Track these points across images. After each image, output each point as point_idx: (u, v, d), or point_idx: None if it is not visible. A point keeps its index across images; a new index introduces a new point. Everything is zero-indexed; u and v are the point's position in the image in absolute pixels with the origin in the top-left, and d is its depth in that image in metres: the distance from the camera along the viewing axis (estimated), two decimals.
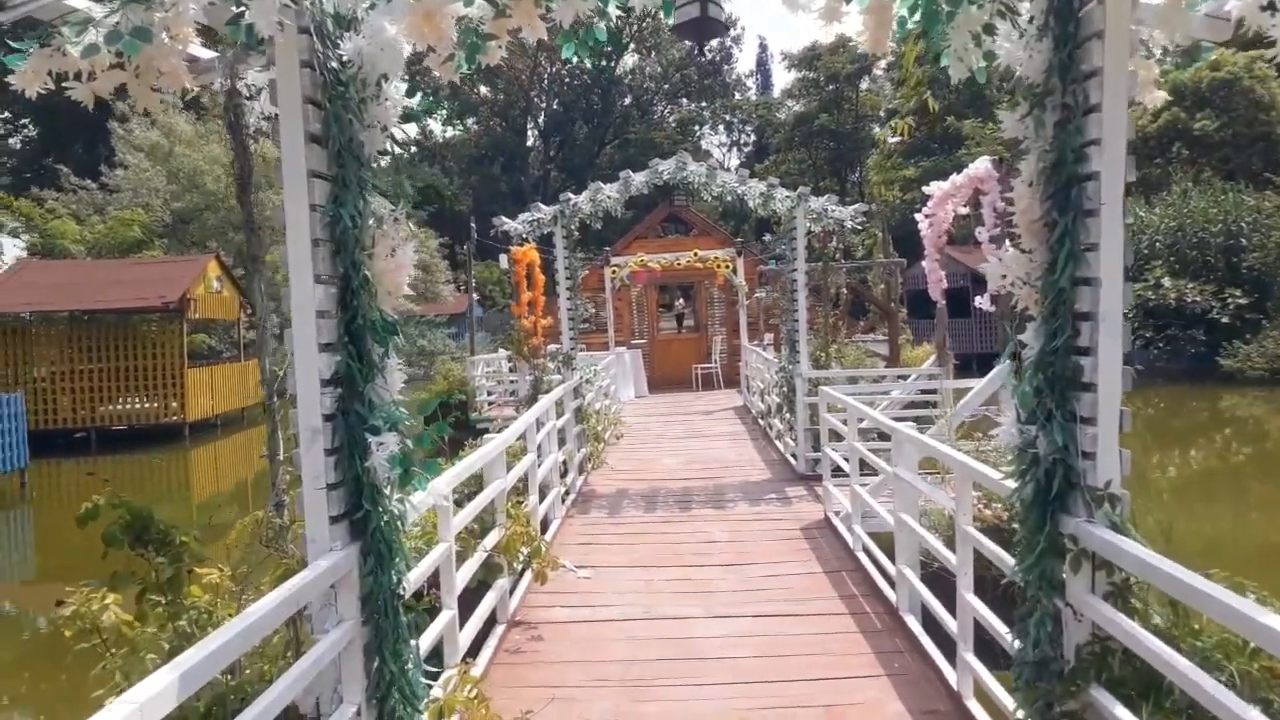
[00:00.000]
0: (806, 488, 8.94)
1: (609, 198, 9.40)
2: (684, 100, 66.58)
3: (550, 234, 9.83)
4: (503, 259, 17.52)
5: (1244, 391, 21.24)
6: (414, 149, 69.61)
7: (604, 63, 67.52)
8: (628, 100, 68.23)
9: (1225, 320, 23.04)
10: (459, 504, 5.59)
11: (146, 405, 19.90)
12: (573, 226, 9.87)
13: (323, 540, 2.96)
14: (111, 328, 19.96)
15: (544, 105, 69.24)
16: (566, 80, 69.00)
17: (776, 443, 11.23)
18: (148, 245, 26.98)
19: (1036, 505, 2.99)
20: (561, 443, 8.68)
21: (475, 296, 39.64)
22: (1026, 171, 3.01)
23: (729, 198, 9.42)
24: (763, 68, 67.37)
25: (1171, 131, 31.90)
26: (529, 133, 68.51)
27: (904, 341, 15.81)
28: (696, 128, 66.86)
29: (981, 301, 8.14)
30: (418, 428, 3.42)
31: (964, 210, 8.84)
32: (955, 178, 8.65)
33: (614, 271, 16.65)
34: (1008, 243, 3.25)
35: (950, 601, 4.77)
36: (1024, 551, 3.09)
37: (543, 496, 7.06)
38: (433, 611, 4.31)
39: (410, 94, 3.29)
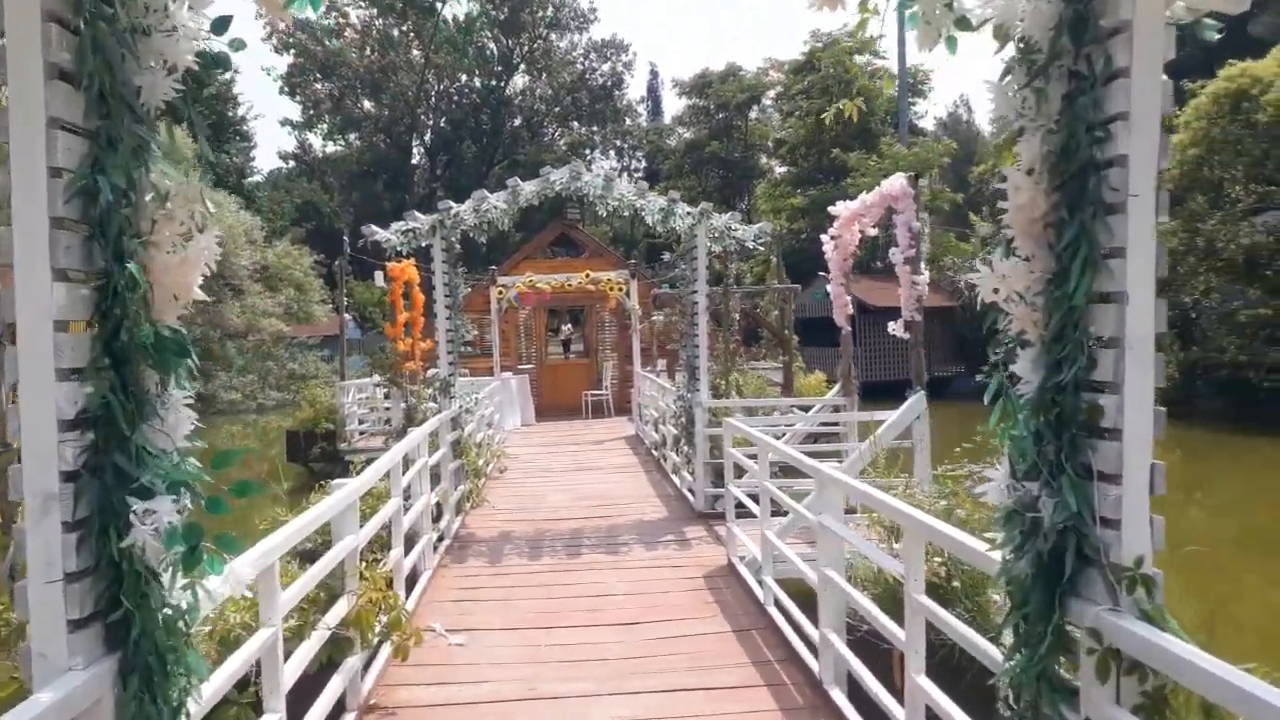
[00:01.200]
0: (706, 527, 8.23)
1: (495, 208, 8.54)
2: (575, 124, 66.14)
3: (428, 247, 8.89)
4: (378, 276, 16.36)
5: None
6: (291, 162, 66.94)
7: (494, 82, 66.60)
8: (518, 121, 67.26)
9: None
10: (306, 558, 4.64)
11: None
12: (454, 239, 8.97)
13: (58, 656, 2.04)
14: None
15: (430, 123, 67.59)
16: (455, 98, 67.60)
17: (673, 476, 10.51)
18: None
19: (1039, 587, 2.31)
20: (436, 480, 7.73)
21: (351, 317, 37.83)
22: (1027, 156, 2.36)
23: (626, 212, 8.70)
24: (653, 94, 67.60)
25: None
26: (414, 150, 66.72)
27: (796, 369, 15.41)
28: (587, 151, 66.47)
29: (895, 328, 7.66)
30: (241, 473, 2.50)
31: (873, 231, 8.37)
32: (865, 196, 8.17)
33: (500, 292, 15.73)
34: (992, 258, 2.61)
35: (883, 673, 4.10)
36: (1018, 645, 2.41)
37: (410, 546, 6.11)
38: (258, 706, 3.37)
39: (218, 29, 2.39)
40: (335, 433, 14.96)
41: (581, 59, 67.07)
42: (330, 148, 67.86)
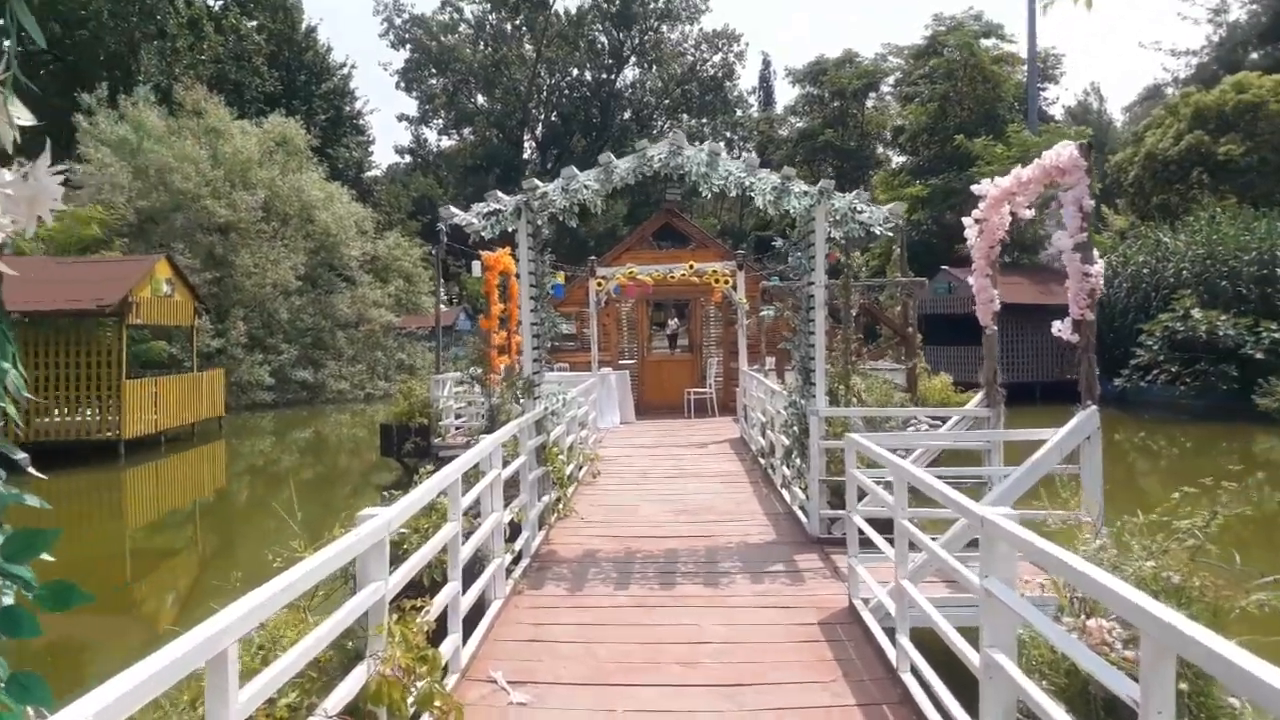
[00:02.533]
0: (821, 555, 7.12)
1: (586, 187, 7.63)
2: (684, 115, 65.22)
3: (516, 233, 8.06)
4: (475, 266, 15.73)
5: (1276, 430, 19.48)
6: (407, 157, 68.16)
7: (604, 75, 66.30)
8: (627, 114, 66.83)
9: (1260, 356, 21.27)
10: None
11: (80, 419, 18.00)
12: (541, 222, 8.10)
13: None
14: (43, 331, 18.09)
15: (541, 117, 67.85)
16: (566, 92, 67.64)
17: (782, 491, 9.42)
18: (106, 245, 25.13)
19: None
20: (515, 491, 6.88)
21: (463, 309, 37.84)
22: None
23: (733, 191, 7.65)
24: (765, 84, 65.98)
25: (1194, 156, 30.36)
26: (525, 144, 67.06)
27: (920, 370, 14.03)
28: (697, 143, 65.31)
29: (1060, 328, 6.41)
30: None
31: (1028, 213, 7.09)
32: (1020, 171, 6.91)
33: (600, 284, 14.88)
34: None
35: None
36: None
37: (475, 576, 5.25)
38: None
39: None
40: (429, 427, 14.41)
41: (692, 50, 66.13)
42: (445, 142, 68.88)
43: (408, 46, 61.82)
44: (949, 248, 29.69)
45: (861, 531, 5.71)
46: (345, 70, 51.62)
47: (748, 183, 7.65)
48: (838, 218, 7.73)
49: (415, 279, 36.73)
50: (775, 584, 6.41)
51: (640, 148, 7.80)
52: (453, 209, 7.65)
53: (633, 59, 65.64)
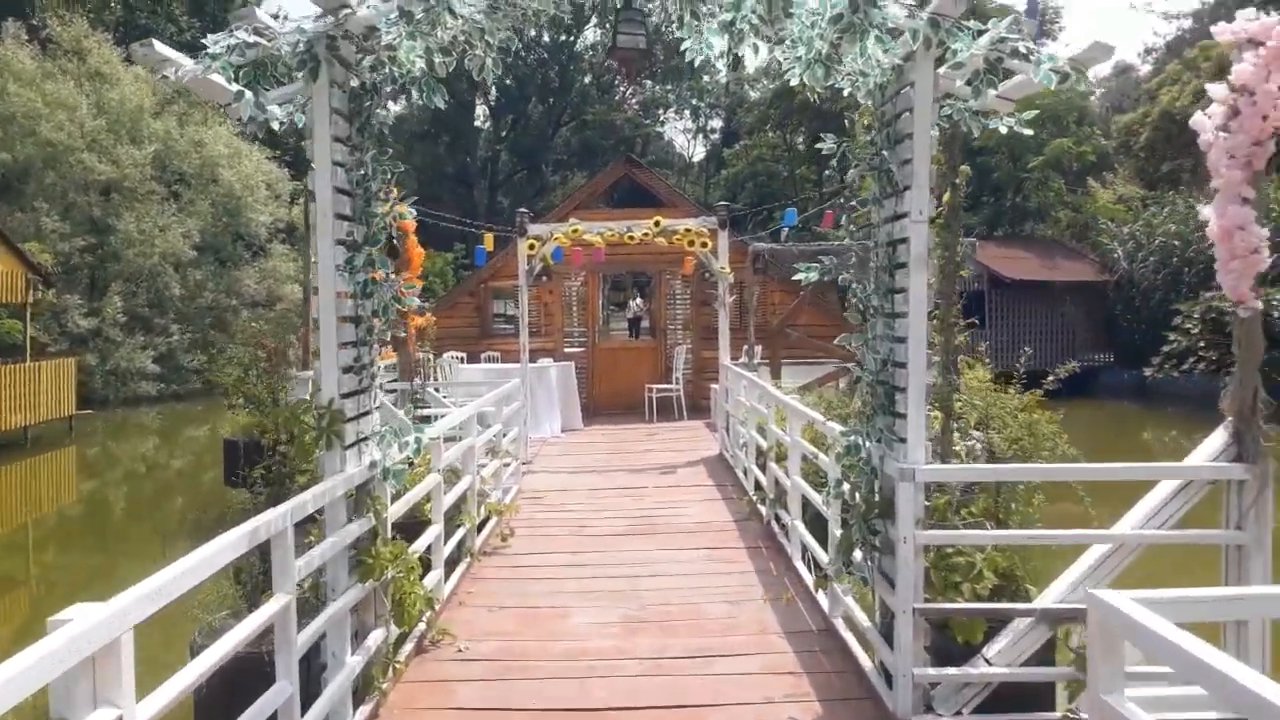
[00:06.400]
0: None
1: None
2: (648, 81, 61.04)
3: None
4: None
5: None
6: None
7: (563, 36, 61.77)
8: (587, 79, 62.43)
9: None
10: None
11: None
12: (368, 85, 4.15)
13: None
14: None
15: (495, 80, 63.17)
16: (521, 54, 63.01)
17: (819, 594, 5.53)
18: None
19: None
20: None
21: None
22: None
23: (744, 30, 3.75)
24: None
25: None
26: (477, 110, 62.46)
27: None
28: (660, 110, 61.58)
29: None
30: None
31: None
32: None
33: (532, 246, 10.93)
34: None
35: None
36: None
37: None
38: None
39: None
40: (295, 444, 10.33)
41: (658, 10, 61.81)
42: (391, 107, 64.09)
43: None
44: None
45: None
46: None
47: (766, 4, 3.73)
48: (964, 81, 3.85)
49: None
50: None
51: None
52: (156, 45, 3.60)
53: (593, 19, 61.33)
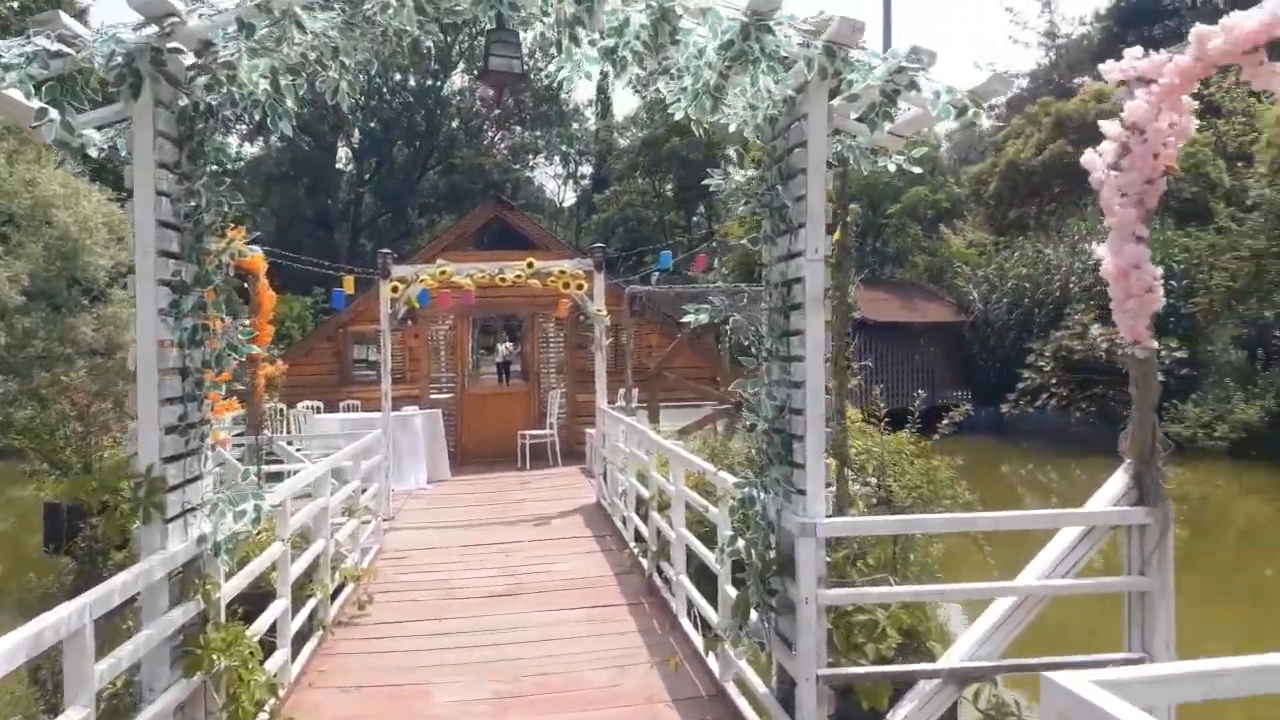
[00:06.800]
0: None
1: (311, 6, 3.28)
2: (517, 127, 60.88)
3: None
4: None
5: (1193, 465, 16.98)
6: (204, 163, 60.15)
7: (429, 81, 60.91)
8: (455, 123, 61.70)
9: (1160, 378, 18.85)
10: None
11: None
12: (201, 107, 3.64)
13: None
14: None
15: (359, 123, 61.75)
16: (386, 97, 61.76)
17: (687, 626, 5.19)
18: None
19: None
20: None
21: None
22: None
23: (639, 43, 3.45)
24: (603, 95, 62.51)
25: (1057, 166, 28.69)
26: (340, 152, 60.69)
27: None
28: (530, 155, 61.50)
29: None
30: None
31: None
32: (1231, 19, 3.10)
33: (396, 288, 10.35)
34: None
35: None
36: None
37: None
38: None
39: None
40: (106, 518, 9.29)
41: (526, 57, 62.01)
42: (247, 148, 61.66)
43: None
44: None
45: None
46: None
47: (652, 31, 3.46)
48: (857, 115, 3.67)
49: None
50: None
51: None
52: None
53: (461, 64, 60.77)
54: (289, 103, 3.66)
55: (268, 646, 4.57)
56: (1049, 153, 29.04)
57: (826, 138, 3.69)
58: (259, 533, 5.37)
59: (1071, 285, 22.11)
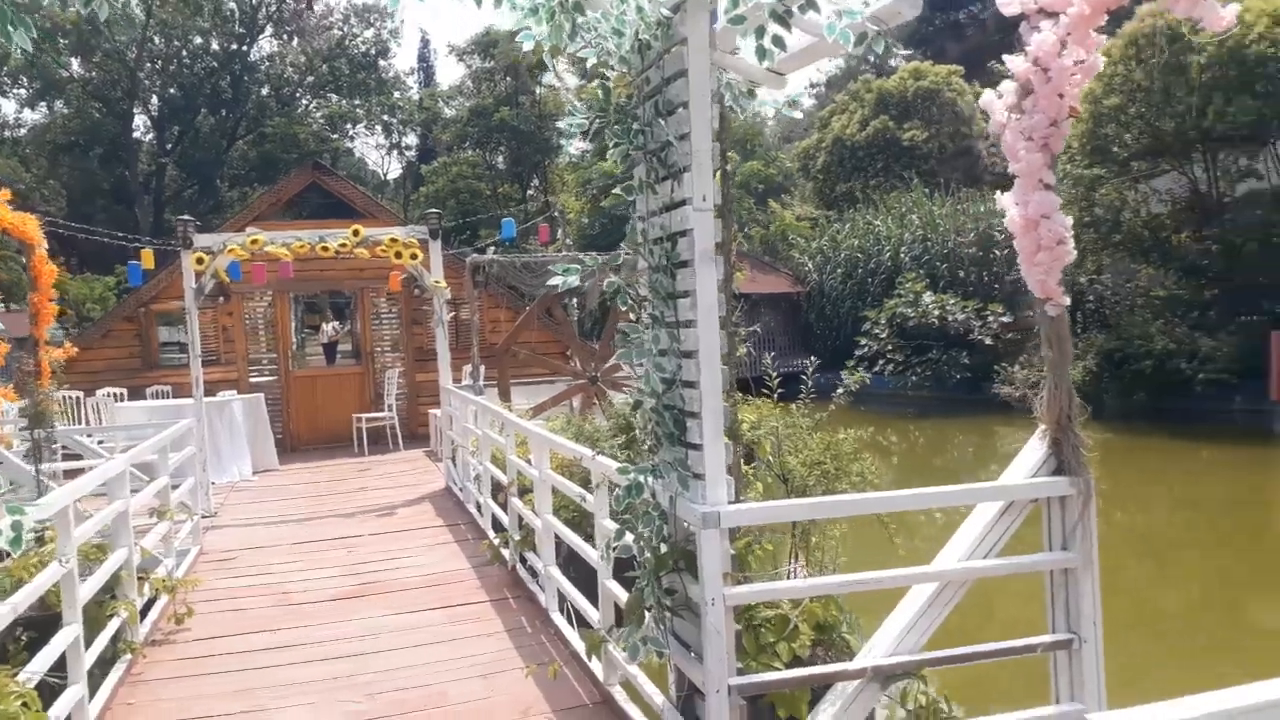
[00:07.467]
0: None
1: None
2: (333, 95, 57.57)
3: None
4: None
5: (1026, 425, 17.93)
6: None
7: (234, 45, 56.65)
8: (265, 90, 57.70)
9: (989, 341, 19.91)
10: None
11: None
12: None
13: None
14: None
15: (156, 88, 56.74)
16: (187, 62, 57.00)
17: (560, 621, 4.68)
18: None
19: None
20: None
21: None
22: None
23: None
24: (425, 64, 60.15)
25: (880, 141, 29.69)
26: (136, 119, 55.59)
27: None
28: (349, 125, 58.48)
29: None
30: None
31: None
32: None
33: (201, 260, 9.18)
34: None
35: None
36: None
37: None
38: None
39: None
40: None
41: (340, 24, 58.52)
42: (27, 114, 55.55)
43: None
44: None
45: None
46: None
47: None
48: (742, 37, 3.16)
49: None
50: None
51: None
52: None
53: (269, 28, 56.81)
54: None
55: (56, 687, 3.73)
56: (872, 128, 30.01)
57: (710, 67, 3.20)
58: (40, 547, 4.47)
59: (902, 255, 22.89)
